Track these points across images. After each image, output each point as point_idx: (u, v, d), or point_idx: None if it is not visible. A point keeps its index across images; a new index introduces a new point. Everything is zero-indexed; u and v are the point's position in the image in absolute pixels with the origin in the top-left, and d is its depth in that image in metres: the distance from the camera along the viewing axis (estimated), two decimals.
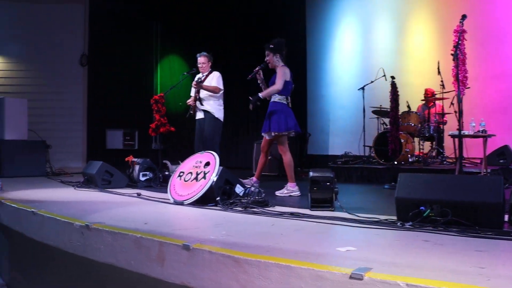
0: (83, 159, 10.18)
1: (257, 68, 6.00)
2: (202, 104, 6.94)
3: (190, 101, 7.06)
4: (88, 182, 6.67)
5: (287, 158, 5.80)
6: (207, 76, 7.01)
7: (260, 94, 5.80)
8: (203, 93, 6.92)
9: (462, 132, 5.24)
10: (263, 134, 5.99)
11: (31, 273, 5.12)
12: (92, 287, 3.87)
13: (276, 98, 5.85)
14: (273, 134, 5.78)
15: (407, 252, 2.63)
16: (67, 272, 4.26)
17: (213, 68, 7.12)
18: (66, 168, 9.35)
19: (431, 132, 8.31)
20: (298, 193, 5.69)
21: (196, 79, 7.06)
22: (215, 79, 6.93)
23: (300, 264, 2.30)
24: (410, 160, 8.10)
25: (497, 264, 2.40)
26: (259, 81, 6.11)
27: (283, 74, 5.79)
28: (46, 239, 4.06)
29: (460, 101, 4.69)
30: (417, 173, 3.59)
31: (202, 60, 7.06)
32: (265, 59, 5.94)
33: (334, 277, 2.17)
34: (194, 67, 7.25)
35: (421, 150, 8.37)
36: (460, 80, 4.81)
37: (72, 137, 10.41)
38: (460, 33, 4.95)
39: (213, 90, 6.85)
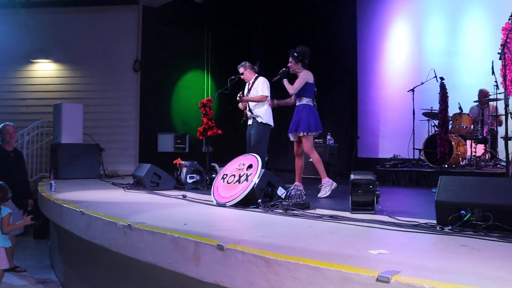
0: (135, 162, 10.43)
1: (282, 70, 6.14)
2: (251, 113, 7.00)
3: (240, 106, 7.14)
4: (137, 184, 6.87)
5: (316, 156, 6.08)
6: (253, 84, 7.05)
7: (285, 80, 6.09)
8: (250, 103, 7.00)
9: None
10: (290, 134, 6.22)
11: (81, 270, 5.33)
12: (134, 285, 3.99)
13: (304, 101, 6.11)
14: (301, 134, 6.01)
15: (441, 256, 2.58)
16: (112, 269, 4.41)
17: (262, 73, 7.15)
18: (119, 171, 9.65)
19: (484, 135, 8.03)
20: (335, 184, 5.97)
21: (240, 94, 7.12)
22: (260, 86, 6.96)
23: (328, 265, 2.30)
24: (462, 163, 7.87)
25: None
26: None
27: (304, 77, 6.05)
28: (93, 238, 4.21)
29: (507, 102, 4.52)
30: (459, 176, 3.49)
31: (240, 70, 7.16)
32: (288, 65, 6.14)
33: (361, 279, 2.15)
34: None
35: (474, 153, 8.10)
36: (508, 80, 4.64)
37: (125, 140, 10.70)
38: (508, 31, 4.77)
39: (259, 100, 6.91)
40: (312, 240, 3.03)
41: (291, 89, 6.05)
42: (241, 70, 7.13)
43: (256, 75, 7.12)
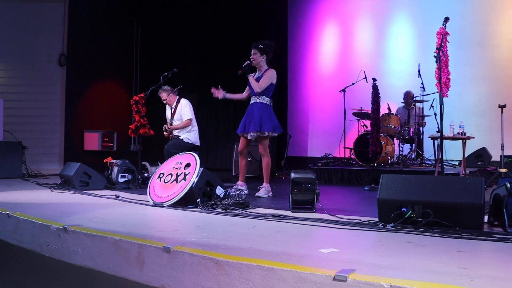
0: (60, 161, 9.99)
1: (246, 63, 5.85)
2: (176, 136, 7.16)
3: (165, 134, 7.20)
4: (65, 184, 6.55)
5: (268, 159, 5.87)
6: (175, 108, 7.11)
7: (250, 75, 5.89)
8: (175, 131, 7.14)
9: None
10: (250, 132, 5.78)
11: (7, 277, 4.99)
12: None
13: (264, 100, 5.88)
14: (266, 134, 5.72)
15: (390, 253, 2.62)
16: (43, 276, 4.16)
17: (184, 91, 7.23)
18: (43, 170, 9.18)
19: (411, 135, 8.36)
20: (271, 193, 5.83)
21: (165, 126, 7.18)
22: (183, 110, 7.05)
23: (283, 266, 2.26)
24: (390, 162, 8.13)
25: (479, 264, 2.40)
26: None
27: (271, 77, 5.87)
28: (21, 242, 3.95)
29: (442, 103, 4.69)
30: (400, 174, 3.57)
31: (162, 97, 7.17)
32: (251, 57, 5.88)
33: (318, 279, 2.13)
34: (176, 68, 7.29)
35: (401, 152, 8.41)
36: (442, 82, 4.82)
37: (49, 138, 10.21)
38: (443, 35, 4.96)
39: (184, 126, 7.02)
40: (260, 240, 2.99)
41: (257, 87, 5.79)
42: (163, 95, 7.16)
43: (178, 97, 7.21)
